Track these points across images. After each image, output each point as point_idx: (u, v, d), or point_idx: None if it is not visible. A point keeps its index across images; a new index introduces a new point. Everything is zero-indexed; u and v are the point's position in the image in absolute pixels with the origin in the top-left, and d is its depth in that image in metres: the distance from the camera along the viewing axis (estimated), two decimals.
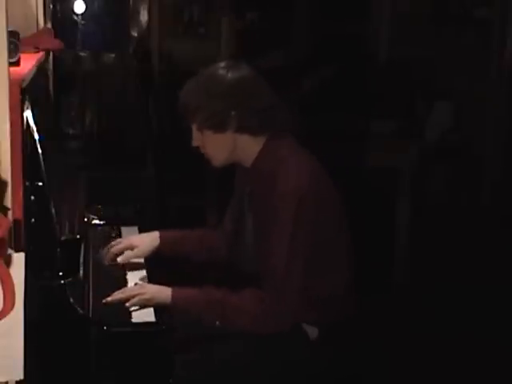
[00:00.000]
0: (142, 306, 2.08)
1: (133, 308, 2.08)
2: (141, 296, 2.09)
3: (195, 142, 2.24)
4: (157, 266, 2.42)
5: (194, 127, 2.21)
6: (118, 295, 2.09)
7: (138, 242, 2.38)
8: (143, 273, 2.35)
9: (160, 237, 2.41)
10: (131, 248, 2.37)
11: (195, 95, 2.18)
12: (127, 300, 2.08)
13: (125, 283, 2.24)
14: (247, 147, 2.21)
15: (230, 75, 2.17)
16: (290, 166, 2.14)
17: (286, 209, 2.09)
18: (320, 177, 2.19)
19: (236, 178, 2.42)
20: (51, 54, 2.78)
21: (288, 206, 2.09)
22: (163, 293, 2.13)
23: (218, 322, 2.14)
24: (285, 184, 2.10)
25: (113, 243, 2.38)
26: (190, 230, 2.50)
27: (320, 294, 2.20)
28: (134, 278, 2.30)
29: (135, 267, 2.38)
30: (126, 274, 2.32)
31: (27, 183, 1.77)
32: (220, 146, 2.21)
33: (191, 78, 2.24)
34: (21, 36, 2.04)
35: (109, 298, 2.08)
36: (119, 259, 2.33)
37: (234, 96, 2.15)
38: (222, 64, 2.22)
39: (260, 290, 2.12)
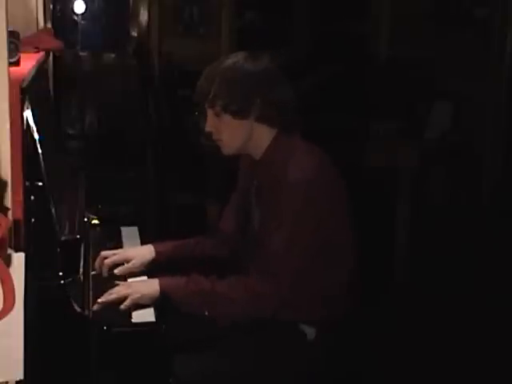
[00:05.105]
0: (136, 304, 2.06)
1: (127, 305, 2.06)
2: (132, 296, 2.06)
3: (209, 128, 2.23)
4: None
5: (211, 112, 2.21)
6: (109, 297, 2.06)
7: (134, 255, 2.35)
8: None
9: (155, 248, 2.38)
10: (127, 261, 2.33)
11: (218, 81, 2.17)
12: (119, 301, 2.05)
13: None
14: (260, 137, 2.22)
15: (255, 64, 2.19)
16: (299, 156, 2.16)
17: (291, 196, 2.09)
18: (329, 169, 2.21)
19: (240, 172, 2.42)
20: (51, 54, 2.78)
21: (293, 193, 2.09)
22: (151, 287, 2.11)
23: (206, 312, 2.11)
24: (293, 172, 2.11)
25: (106, 254, 2.32)
26: (185, 239, 2.46)
27: (322, 290, 2.20)
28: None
29: None
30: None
31: (27, 183, 1.77)
32: (236, 133, 2.21)
33: (211, 64, 2.24)
34: (21, 36, 2.04)
35: (99, 300, 2.04)
36: (116, 271, 2.28)
37: (259, 84, 2.17)
38: (245, 53, 2.23)
39: (246, 277, 2.12)
